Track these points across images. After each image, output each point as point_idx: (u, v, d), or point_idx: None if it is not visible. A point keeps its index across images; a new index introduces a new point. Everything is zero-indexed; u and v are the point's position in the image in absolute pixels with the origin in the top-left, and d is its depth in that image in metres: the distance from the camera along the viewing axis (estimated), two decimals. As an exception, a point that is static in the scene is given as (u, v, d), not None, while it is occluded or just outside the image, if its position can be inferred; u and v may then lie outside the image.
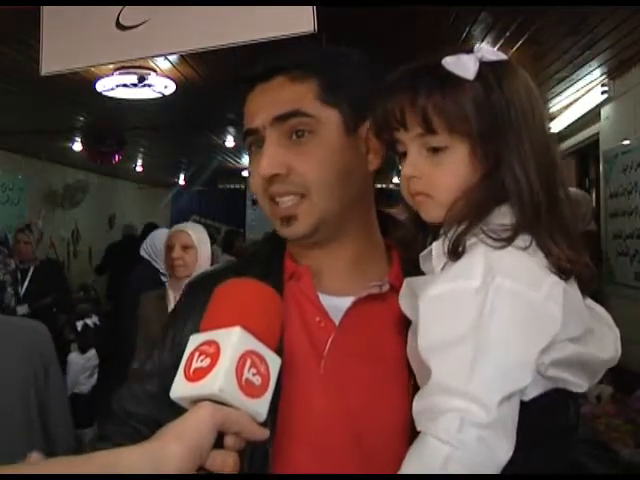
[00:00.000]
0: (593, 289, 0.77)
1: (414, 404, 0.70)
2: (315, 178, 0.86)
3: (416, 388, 0.75)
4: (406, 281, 0.79)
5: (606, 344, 0.78)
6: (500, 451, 0.65)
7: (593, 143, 4.69)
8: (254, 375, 0.66)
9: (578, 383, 0.75)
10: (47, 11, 1.60)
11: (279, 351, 0.84)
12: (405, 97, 0.76)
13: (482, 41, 3.38)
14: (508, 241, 0.72)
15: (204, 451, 0.62)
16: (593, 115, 4.47)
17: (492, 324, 0.67)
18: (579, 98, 4.58)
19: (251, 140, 0.91)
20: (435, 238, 0.79)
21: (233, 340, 0.66)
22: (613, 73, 4.00)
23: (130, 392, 0.97)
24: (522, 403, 0.69)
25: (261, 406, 0.66)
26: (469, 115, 0.74)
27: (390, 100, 0.78)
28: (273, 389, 0.68)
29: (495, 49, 0.79)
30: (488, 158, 0.75)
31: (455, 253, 0.73)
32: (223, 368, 0.64)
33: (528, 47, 3.42)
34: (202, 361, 0.66)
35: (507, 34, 3.25)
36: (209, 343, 0.67)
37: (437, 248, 0.77)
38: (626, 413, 2.90)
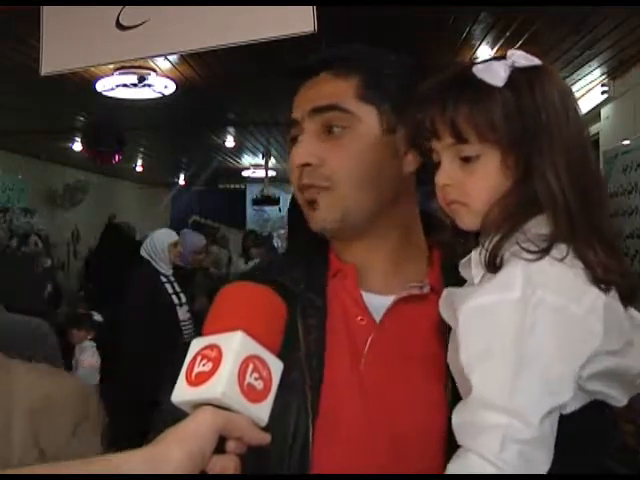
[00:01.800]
0: (636, 298, 0.75)
1: (454, 417, 0.69)
2: (344, 172, 0.88)
3: (455, 391, 0.75)
4: (446, 291, 0.78)
5: None
6: (540, 465, 0.66)
7: (593, 143, 4.68)
8: (256, 380, 0.66)
9: (616, 397, 0.74)
10: (47, 11, 1.60)
11: (318, 351, 0.85)
12: (435, 107, 0.76)
13: (482, 41, 3.39)
14: (543, 252, 0.70)
15: (205, 455, 0.62)
16: (593, 115, 4.48)
17: (533, 339, 0.67)
18: (579, 98, 4.58)
19: (292, 133, 0.93)
20: (476, 244, 0.79)
21: (235, 344, 0.66)
22: (613, 73, 4.00)
23: None
24: (560, 416, 0.69)
25: (263, 411, 0.66)
26: (498, 124, 0.73)
27: (421, 110, 0.78)
28: (275, 393, 0.68)
29: (527, 54, 0.78)
30: (520, 166, 0.74)
31: (492, 265, 0.73)
32: (225, 372, 0.64)
33: (528, 47, 3.42)
34: (204, 365, 0.66)
35: (507, 34, 3.26)
36: (211, 347, 0.67)
37: (475, 258, 0.77)
38: (626, 413, 2.90)
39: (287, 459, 0.82)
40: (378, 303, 0.89)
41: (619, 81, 4.04)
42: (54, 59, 1.59)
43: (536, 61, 0.77)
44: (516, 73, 0.75)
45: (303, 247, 1.02)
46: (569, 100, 0.78)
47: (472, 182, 0.77)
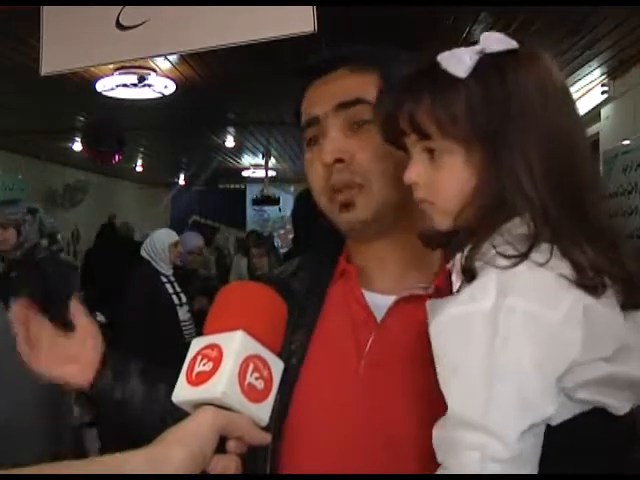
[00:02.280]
0: (632, 304, 0.67)
1: (434, 432, 0.67)
2: (375, 168, 0.87)
3: None
4: (427, 303, 0.74)
5: None
6: None
7: (593, 143, 4.69)
8: (257, 379, 0.66)
9: (615, 405, 0.66)
10: (47, 11, 1.60)
11: (304, 350, 0.84)
12: (399, 101, 0.71)
13: (482, 41, 3.39)
14: (522, 257, 0.64)
15: (206, 455, 0.62)
16: (593, 115, 4.48)
17: (506, 350, 0.62)
18: (579, 98, 4.58)
19: (310, 133, 0.91)
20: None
21: (236, 344, 0.65)
22: (613, 73, 4.00)
23: None
24: (552, 427, 0.64)
25: (264, 410, 0.66)
26: (460, 118, 0.67)
27: (390, 104, 0.74)
28: (276, 393, 0.68)
29: (505, 36, 0.70)
30: (488, 162, 0.68)
31: (468, 273, 0.67)
32: (226, 372, 0.64)
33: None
34: (204, 365, 0.65)
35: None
36: (211, 347, 0.67)
37: (456, 264, 0.71)
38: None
39: (252, 461, 0.80)
40: (382, 303, 0.89)
41: (619, 81, 4.04)
42: (54, 59, 1.59)
43: (512, 44, 0.70)
44: (485, 60, 0.68)
45: (313, 255, 1.02)
46: (549, 85, 0.71)
47: (439, 180, 0.71)
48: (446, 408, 0.66)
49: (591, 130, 4.67)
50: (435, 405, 0.74)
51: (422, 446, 0.78)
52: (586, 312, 0.63)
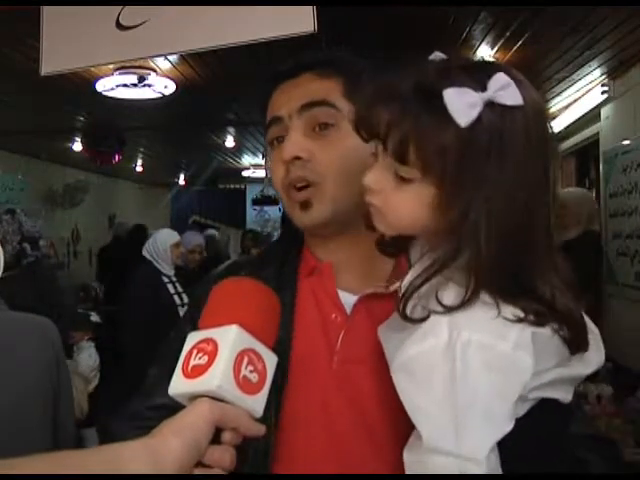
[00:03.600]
0: (580, 346, 0.72)
1: (405, 454, 0.71)
2: (333, 167, 0.90)
3: None
4: (379, 330, 0.80)
5: (589, 361, 0.76)
6: None
7: (593, 143, 4.69)
8: (251, 372, 0.68)
9: (562, 397, 0.74)
10: (47, 11, 1.60)
11: (287, 346, 0.86)
12: (393, 113, 0.69)
13: (482, 41, 3.39)
14: (462, 305, 0.68)
15: (202, 446, 0.64)
16: (593, 115, 4.48)
17: (466, 380, 0.66)
18: (579, 98, 4.58)
19: (274, 132, 0.95)
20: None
21: (231, 338, 0.67)
22: (613, 73, 4.00)
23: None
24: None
25: (258, 402, 0.68)
26: (447, 161, 0.66)
27: (380, 106, 0.71)
28: (270, 386, 0.70)
29: (515, 89, 0.67)
30: (452, 209, 0.68)
31: (412, 314, 0.71)
32: (221, 365, 0.66)
33: (528, 47, 3.42)
34: (200, 359, 0.67)
35: (507, 34, 3.25)
36: (207, 341, 0.68)
37: (405, 288, 0.75)
38: (626, 413, 2.90)
39: (250, 458, 0.84)
40: (351, 301, 0.91)
41: (619, 81, 4.04)
42: (54, 59, 1.59)
43: (519, 101, 0.67)
44: (488, 112, 0.66)
45: (277, 245, 1.05)
46: (537, 146, 0.69)
47: (397, 200, 0.72)
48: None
49: (591, 130, 4.67)
50: None
51: (396, 431, 0.81)
52: (534, 337, 0.68)
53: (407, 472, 0.70)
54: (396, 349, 0.72)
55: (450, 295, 0.69)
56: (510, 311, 0.68)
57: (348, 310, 0.91)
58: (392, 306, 0.84)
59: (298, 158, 0.90)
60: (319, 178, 0.90)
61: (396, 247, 0.82)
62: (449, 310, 0.69)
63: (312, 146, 0.90)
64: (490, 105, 0.66)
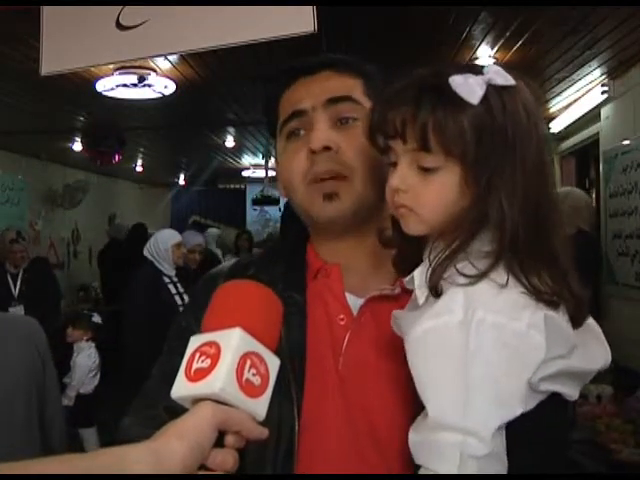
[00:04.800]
0: (581, 322, 0.76)
1: (411, 435, 0.72)
2: (360, 161, 0.90)
3: None
4: (393, 314, 0.80)
5: (594, 357, 0.78)
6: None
7: (593, 143, 4.69)
8: (254, 375, 0.68)
9: (569, 392, 0.76)
10: (47, 11, 1.60)
11: (302, 347, 0.86)
12: (408, 109, 0.74)
13: (482, 41, 3.39)
14: (482, 276, 0.71)
15: (205, 449, 0.63)
16: (593, 115, 4.48)
17: (479, 358, 0.68)
18: (579, 98, 4.58)
19: (293, 125, 0.94)
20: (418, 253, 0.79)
21: (233, 341, 0.67)
22: (613, 73, 4.00)
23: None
24: (521, 415, 0.70)
25: (260, 405, 0.68)
26: (468, 140, 0.72)
27: (392, 108, 0.76)
28: (272, 389, 0.69)
29: (504, 72, 0.76)
30: (479, 184, 0.73)
31: (433, 290, 0.73)
32: (224, 368, 0.66)
33: (528, 47, 3.42)
34: (203, 362, 0.67)
35: (507, 34, 3.26)
36: (210, 344, 0.68)
37: (419, 276, 0.77)
38: (626, 413, 2.90)
39: (272, 459, 0.83)
40: (356, 303, 0.90)
41: (619, 81, 4.04)
42: (54, 59, 1.59)
43: (511, 81, 0.75)
44: (491, 91, 0.73)
45: (281, 244, 1.04)
46: (536, 121, 0.76)
47: (427, 192, 0.75)
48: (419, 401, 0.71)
49: (591, 130, 4.68)
50: (411, 396, 0.77)
51: (403, 440, 0.80)
52: (546, 319, 0.69)
53: (414, 455, 0.70)
54: (412, 324, 0.73)
55: (471, 268, 0.72)
56: (522, 287, 0.71)
57: (354, 312, 0.90)
58: (399, 307, 0.84)
59: (328, 148, 0.89)
60: (347, 170, 0.89)
61: (413, 258, 0.82)
62: (471, 280, 0.71)
63: (337, 138, 0.90)
64: (491, 86, 0.74)
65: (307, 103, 0.92)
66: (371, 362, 0.87)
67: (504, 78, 0.75)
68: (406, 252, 0.84)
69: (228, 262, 1.09)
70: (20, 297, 4.51)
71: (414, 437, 0.71)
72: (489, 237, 0.73)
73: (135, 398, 0.99)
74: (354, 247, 0.94)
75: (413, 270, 0.79)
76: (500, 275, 0.71)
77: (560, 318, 0.73)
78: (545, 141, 0.78)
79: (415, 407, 0.78)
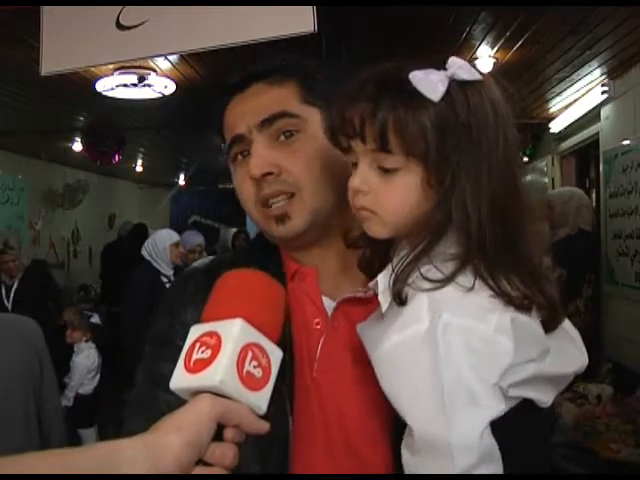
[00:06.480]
0: (555, 326, 0.74)
1: (403, 452, 0.69)
2: (306, 175, 0.87)
3: None
4: (357, 327, 0.77)
5: (569, 359, 0.76)
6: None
7: (593, 143, 4.68)
8: (255, 367, 0.65)
9: (542, 399, 0.73)
10: (47, 11, 1.60)
11: (290, 345, 0.84)
12: (366, 107, 0.70)
13: (482, 41, 3.39)
14: (446, 281, 0.68)
15: (203, 443, 0.62)
16: (593, 115, 4.47)
17: (449, 362, 0.66)
18: (579, 98, 4.58)
19: (236, 150, 0.91)
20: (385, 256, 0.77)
21: (234, 332, 0.65)
22: (613, 73, 4.00)
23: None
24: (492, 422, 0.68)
25: (261, 399, 0.66)
26: (429, 139, 0.68)
27: (350, 107, 0.72)
28: (274, 382, 0.67)
29: (470, 66, 0.72)
30: (442, 185, 0.70)
31: (397, 298, 0.70)
32: (224, 360, 0.64)
33: (528, 47, 3.42)
34: (203, 352, 0.65)
35: (507, 34, 3.25)
36: (210, 334, 0.66)
37: (382, 280, 0.74)
38: (626, 413, 2.90)
39: (265, 460, 0.81)
40: (330, 307, 0.89)
41: (619, 81, 4.03)
42: (54, 59, 1.59)
43: (477, 76, 0.71)
44: (454, 87, 0.70)
45: (255, 247, 1.01)
46: (504, 117, 0.72)
47: (388, 194, 0.72)
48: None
49: (591, 130, 4.67)
50: (382, 404, 0.74)
51: (375, 441, 0.80)
52: (513, 322, 0.67)
53: (407, 472, 0.69)
54: (378, 340, 0.71)
55: (436, 272, 0.69)
56: (489, 291, 0.68)
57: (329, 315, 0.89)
58: (371, 310, 0.82)
59: (269, 174, 0.87)
60: (294, 188, 0.87)
61: (380, 259, 0.79)
62: (437, 285, 0.68)
63: (279, 157, 0.87)
64: (454, 81, 0.70)
65: (242, 127, 0.89)
66: (345, 366, 0.85)
67: (469, 73, 0.71)
68: (372, 254, 0.81)
69: (201, 261, 1.04)
70: (14, 309, 4.41)
71: (408, 459, 0.69)
72: (454, 239, 0.70)
73: (126, 408, 0.97)
74: (321, 253, 0.92)
75: (380, 271, 0.76)
76: (467, 278, 0.69)
77: (531, 322, 0.70)
78: (515, 139, 0.74)
79: (389, 411, 0.76)
